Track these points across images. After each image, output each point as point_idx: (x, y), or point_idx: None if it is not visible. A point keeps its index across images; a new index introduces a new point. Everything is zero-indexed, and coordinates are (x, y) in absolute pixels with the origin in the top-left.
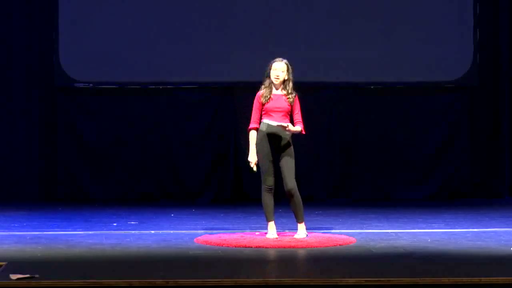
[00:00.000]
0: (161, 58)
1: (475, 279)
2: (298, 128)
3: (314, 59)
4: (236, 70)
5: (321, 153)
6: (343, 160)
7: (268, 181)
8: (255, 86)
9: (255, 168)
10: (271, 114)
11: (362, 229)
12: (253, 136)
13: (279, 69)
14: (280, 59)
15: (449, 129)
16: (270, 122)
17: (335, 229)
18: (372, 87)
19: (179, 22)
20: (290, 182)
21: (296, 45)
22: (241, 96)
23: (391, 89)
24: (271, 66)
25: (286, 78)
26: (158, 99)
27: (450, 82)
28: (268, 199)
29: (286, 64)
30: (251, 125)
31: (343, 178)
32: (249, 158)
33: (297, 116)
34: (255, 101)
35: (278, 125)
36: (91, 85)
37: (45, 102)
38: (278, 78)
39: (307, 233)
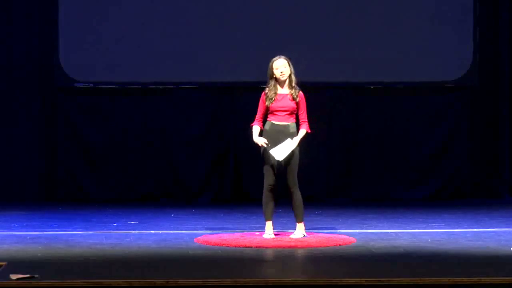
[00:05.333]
0: (161, 58)
1: (475, 279)
2: (302, 132)
3: (314, 59)
4: (236, 70)
5: (321, 153)
6: (343, 160)
7: (269, 180)
8: (255, 86)
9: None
10: (276, 113)
11: (362, 229)
12: (255, 129)
13: (281, 66)
14: (278, 56)
15: (449, 129)
16: (274, 122)
17: (335, 229)
18: (372, 87)
19: (179, 22)
20: (291, 181)
21: (296, 45)
22: (240, 96)
23: (391, 89)
24: (272, 66)
25: (289, 73)
26: (158, 99)
27: (450, 82)
28: (268, 198)
29: (286, 59)
30: (254, 122)
31: (343, 178)
32: (255, 140)
33: (302, 115)
34: (260, 98)
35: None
36: (91, 85)
37: (45, 102)
38: (283, 75)
39: (305, 234)
